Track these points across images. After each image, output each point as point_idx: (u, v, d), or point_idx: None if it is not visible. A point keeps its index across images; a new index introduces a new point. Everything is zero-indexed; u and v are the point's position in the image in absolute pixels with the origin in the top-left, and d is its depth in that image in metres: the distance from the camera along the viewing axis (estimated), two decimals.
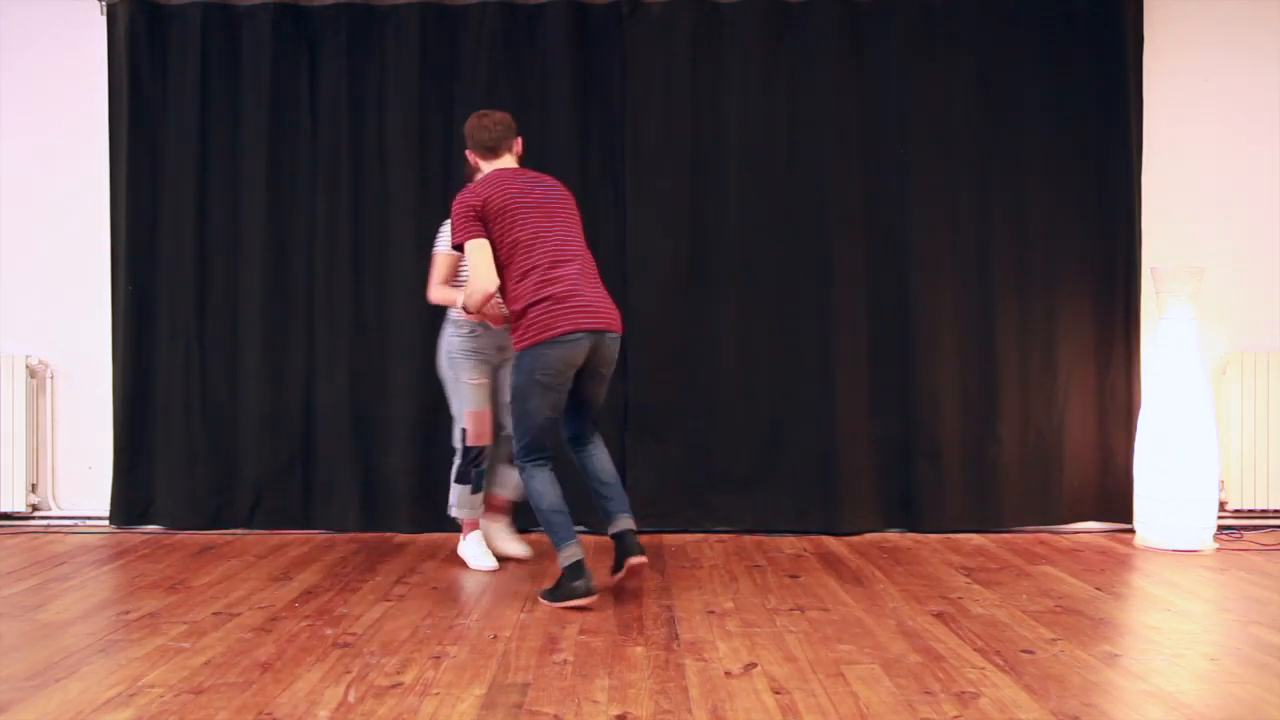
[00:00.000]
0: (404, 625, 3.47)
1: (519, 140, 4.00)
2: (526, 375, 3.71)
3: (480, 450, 4.26)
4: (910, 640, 3.29)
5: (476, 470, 4.26)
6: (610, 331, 3.78)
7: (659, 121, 5.07)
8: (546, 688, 2.87)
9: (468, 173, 4.19)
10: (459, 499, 4.29)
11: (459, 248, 3.77)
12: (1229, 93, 5.15)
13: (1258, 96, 5.15)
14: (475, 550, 4.33)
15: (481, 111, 3.98)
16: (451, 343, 4.30)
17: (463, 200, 3.77)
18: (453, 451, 4.35)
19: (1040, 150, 5.05)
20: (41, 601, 3.79)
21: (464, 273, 4.23)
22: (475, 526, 4.38)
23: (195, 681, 2.92)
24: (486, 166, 3.95)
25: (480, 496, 4.30)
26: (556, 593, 3.73)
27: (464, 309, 3.82)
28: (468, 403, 4.26)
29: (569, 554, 3.70)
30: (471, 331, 4.26)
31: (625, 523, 3.82)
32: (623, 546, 3.79)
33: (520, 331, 3.72)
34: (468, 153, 3.99)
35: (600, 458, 3.91)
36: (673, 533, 4.98)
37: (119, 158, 5.11)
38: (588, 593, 3.67)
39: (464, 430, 4.26)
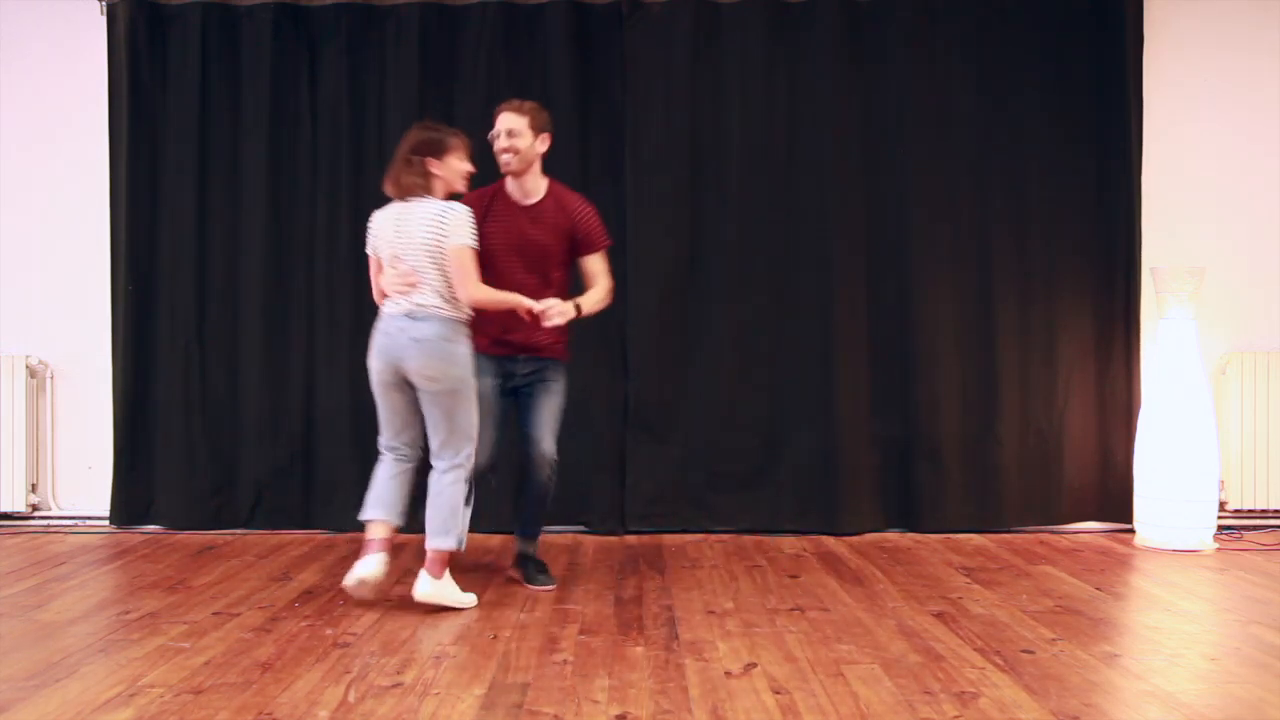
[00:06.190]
0: (404, 625, 3.47)
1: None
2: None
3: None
4: (910, 640, 3.29)
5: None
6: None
7: (659, 121, 5.07)
8: (546, 688, 2.87)
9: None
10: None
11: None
12: (1229, 92, 5.15)
13: (1258, 96, 5.15)
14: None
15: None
16: None
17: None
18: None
19: (1040, 150, 5.05)
20: (41, 601, 3.79)
21: None
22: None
23: (195, 681, 2.92)
24: None
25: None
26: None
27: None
28: None
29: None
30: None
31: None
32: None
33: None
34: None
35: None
36: (673, 533, 4.98)
37: (119, 158, 5.10)
38: None
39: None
